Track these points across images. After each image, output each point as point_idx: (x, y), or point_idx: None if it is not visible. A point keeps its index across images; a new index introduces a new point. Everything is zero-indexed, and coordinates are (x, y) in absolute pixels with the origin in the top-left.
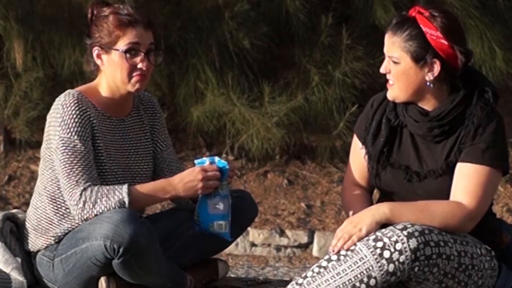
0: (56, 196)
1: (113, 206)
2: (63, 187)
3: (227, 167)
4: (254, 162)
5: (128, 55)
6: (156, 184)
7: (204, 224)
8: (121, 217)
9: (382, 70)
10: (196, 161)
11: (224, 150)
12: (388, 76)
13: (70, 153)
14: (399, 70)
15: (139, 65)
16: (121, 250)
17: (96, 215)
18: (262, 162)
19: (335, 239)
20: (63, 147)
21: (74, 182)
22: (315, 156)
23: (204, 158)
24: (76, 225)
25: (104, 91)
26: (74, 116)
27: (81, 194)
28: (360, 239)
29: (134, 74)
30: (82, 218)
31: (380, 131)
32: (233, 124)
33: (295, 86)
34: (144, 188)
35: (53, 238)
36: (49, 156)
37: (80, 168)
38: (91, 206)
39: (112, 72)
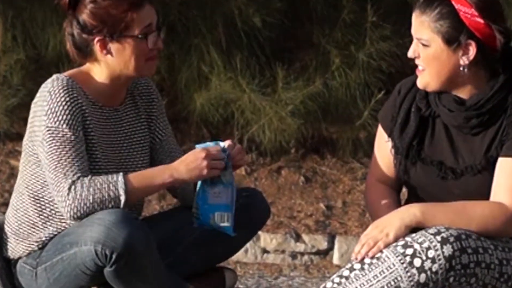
0: (40, 195)
1: (107, 198)
2: (50, 181)
3: (227, 149)
4: (266, 157)
5: (145, 39)
6: (154, 169)
7: (204, 216)
8: (114, 218)
9: (410, 54)
10: (197, 146)
11: None
12: (417, 61)
13: (58, 144)
14: (430, 54)
15: (155, 46)
16: (114, 256)
17: (88, 212)
18: (275, 156)
19: (359, 245)
20: (51, 138)
21: (62, 175)
22: (336, 150)
23: (208, 143)
24: (63, 228)
25: (101, 78)
26: (63, 103)
27: (69, 189)
28: (387, 245)
29: (150, 57)
30: (73, 216)
31: (409, 121)
32: (242, 113)
33: (313, 69)
34: (142, 174)
35: (36, 244)
36: (32, 149)
37: (69, 159)
38: (81, 204)
39: (123, 60)
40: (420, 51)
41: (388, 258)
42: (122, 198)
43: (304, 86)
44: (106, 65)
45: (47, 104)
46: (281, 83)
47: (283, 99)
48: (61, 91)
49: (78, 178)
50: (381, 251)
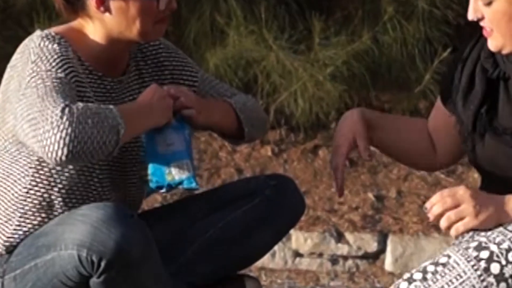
0: (11, 182)
1: (106, 125)
2: (31, 118)
3: None
4: (298, 133)
5: None
6: (134, 104)
7: (158, 174)
8: (103, 215)
9: (470, 17)
10: None
11: None
12: (482, 23)
13: (49, 84)
14: (495, 11)
15: (167, 7)
16: (102, 264)
17: (86, 140)
18: (311, 132)
19: (436, 198)
20: (40, 80)
21: (52, 102)
22: None
23: None
24: (37, 226)
25: (95, 38)
26: (59, 54)
27: (63, 111)
28: (467, 229)
29: (160, 19)
30: (68, 146)
31: (474, 86)
32: (268, 77)
33: (359, 20)
34: (128, 107)
35: (3, 246)
36: (3, 120)
37: (61, 92)
38: (80, 127)
39: (125, 21)
40: (483, 11)
41: (458, 264)
42: (121, 127)
43: (347, 42)
44: (102, 23)
45: (37, 55)
46: (318, 39)
47: (320, 59)
48: (55, 47)
49: (73, 103)
50: (448, 256)
